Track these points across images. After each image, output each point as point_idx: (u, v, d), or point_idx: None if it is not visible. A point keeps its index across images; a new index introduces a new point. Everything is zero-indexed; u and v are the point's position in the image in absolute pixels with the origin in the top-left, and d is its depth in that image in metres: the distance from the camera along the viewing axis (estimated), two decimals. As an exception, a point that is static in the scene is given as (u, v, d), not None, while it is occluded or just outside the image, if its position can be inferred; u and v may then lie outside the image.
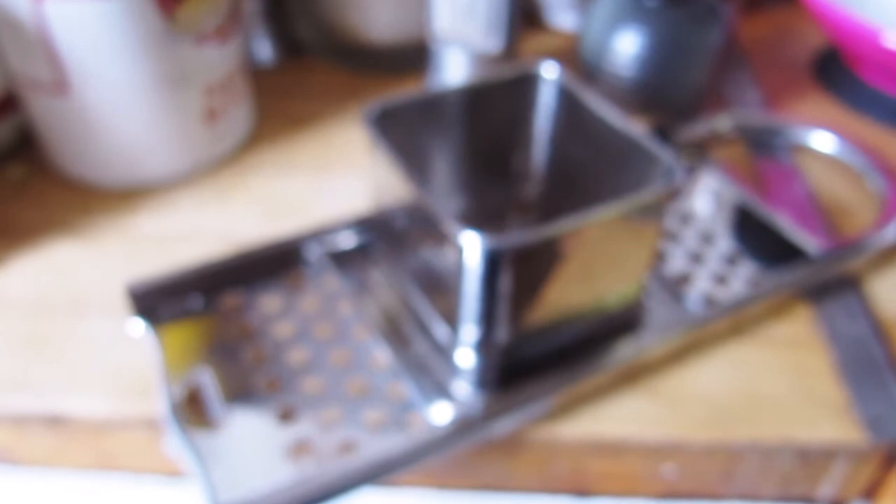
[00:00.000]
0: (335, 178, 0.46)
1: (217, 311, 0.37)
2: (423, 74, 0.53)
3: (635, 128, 0.34)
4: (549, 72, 0.38)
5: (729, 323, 0.36)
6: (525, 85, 0.38)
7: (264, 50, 0.55)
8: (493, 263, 0.29)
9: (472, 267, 0.29)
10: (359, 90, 0.53)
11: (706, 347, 0.36)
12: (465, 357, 0.33)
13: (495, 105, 0.39)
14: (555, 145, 0.39)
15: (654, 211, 0.31)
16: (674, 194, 0.31)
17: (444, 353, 0.34)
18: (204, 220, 0.43)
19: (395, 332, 0.35)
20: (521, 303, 0.31)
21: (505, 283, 0.29)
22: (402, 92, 0.36)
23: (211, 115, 0.44)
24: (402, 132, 0.37)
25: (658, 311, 0.37)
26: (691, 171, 0.46)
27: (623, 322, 0.35)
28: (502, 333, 0.31)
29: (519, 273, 0.29)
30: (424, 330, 0.35)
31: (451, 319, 0.32)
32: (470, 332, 0.31)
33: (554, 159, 0.40)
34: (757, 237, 0.41)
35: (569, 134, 0.38)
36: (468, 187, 0.41)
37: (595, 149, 0.37)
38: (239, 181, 0.45)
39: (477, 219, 0.42)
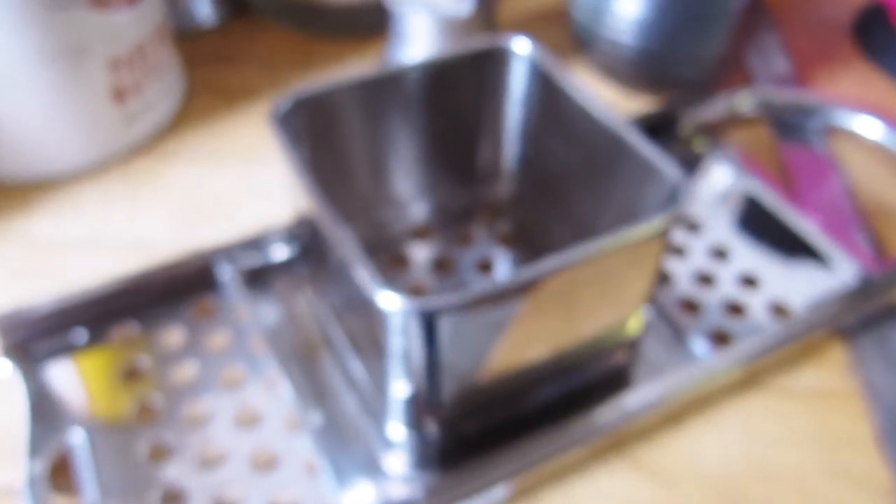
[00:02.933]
0: (271, 168, 0.38)
1: (104, 348, 0.30)
2: (386, 39, 0.45)
3: (626, 126, 0.26)
4: (520, 46, 0.29)
5: (743, 371, 0.29)
6: (490, 63, 0.30)
7: (203, 9, 0.46)
8: (425, 328, 0.21)
9: (397, 332, 0.21)
10: (312, 57, 0.45)
11: (712, 404, 0.29)
12: (398, 428, 0.25)
13: (455, 88, 0.31)
14: (528, 138, 0.31)
15: (652, 239, 0.24)
16: (678, 220, 0.23)
17: (375, 416, 0.26)
18: (108, 223, 0.35)
19: (316, 384, 0.28)
20: (470, 365, 0.23)
21: (444, 349, 0.22)
22: (345, 70, 0.29)
23: (119, 95, 0.37)
24: (336, 125, 0.29)
25: (654, 355, 0.29)
26: (703, 161, 0.38)
27: (608, 375, 0.28)
28: (446, 401, 0.24)
29: (463, 334, 0.22)
30: (352, 384, 0.28)
31: (379, 380, 0.25)
32: (402, 397, 0.24)
33: (528, 155, 0.32)
34: (782, 251, 0.34)
35: (545, 125, 0.30)
36: (427, 186, 0.33)
37: (577, 146, 0.29)
38: (155, 174, 0.38)
39: (438, 222, 0.34)
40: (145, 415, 0.28)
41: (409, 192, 0.33)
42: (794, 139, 0.40)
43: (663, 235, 0.23)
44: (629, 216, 0.27)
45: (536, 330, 0.24)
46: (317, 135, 0.29)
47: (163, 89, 0.39)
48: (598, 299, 0.25)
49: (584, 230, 0.30)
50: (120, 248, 0.34)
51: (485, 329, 0.22)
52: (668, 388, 0.27)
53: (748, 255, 0.34)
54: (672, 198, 0.23)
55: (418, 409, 0.24)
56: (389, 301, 0.20)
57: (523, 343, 0.24)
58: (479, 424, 0.26)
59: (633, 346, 0.29)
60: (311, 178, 0.23)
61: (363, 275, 0.20)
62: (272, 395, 0.28)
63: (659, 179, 0.25)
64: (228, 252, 0.31)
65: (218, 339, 0.30)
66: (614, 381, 0.28)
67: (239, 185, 0.37)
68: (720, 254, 0.34)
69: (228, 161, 0.38)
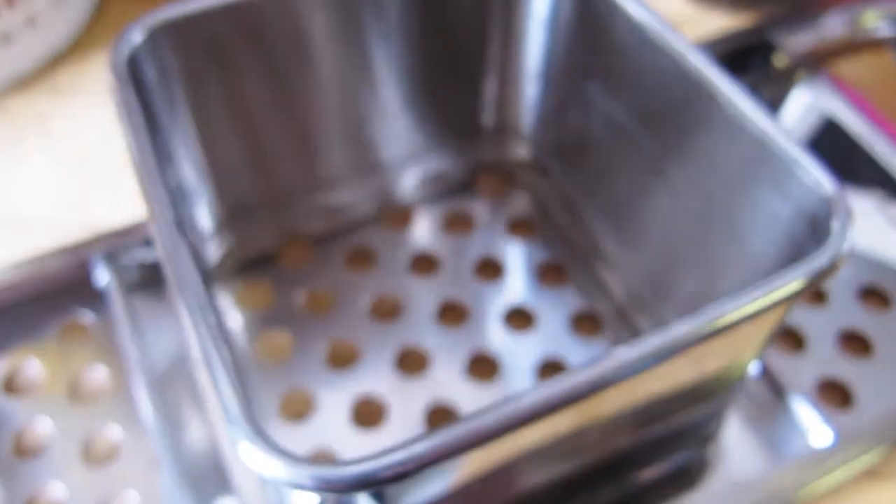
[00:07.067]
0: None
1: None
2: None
3: (721, 70, 0.15)
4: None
5: (875, 456, 0.19)
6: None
7: None
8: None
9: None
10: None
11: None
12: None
13: (451, 2, 0.20)
14: (557, 80, 0.21)
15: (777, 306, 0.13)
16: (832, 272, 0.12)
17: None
18: (-28, 190, 0.26)
19: (221, 464, 0.18)
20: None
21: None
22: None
23: (-17, 5, 0.26)
24: (276, 54, 0.19)
25: (739, 431, 0.19)
26: (802, 102, 0.27)
27: (670, 472, 0.18)
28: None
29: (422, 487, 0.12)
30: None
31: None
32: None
33: (554, 105, 0.21)
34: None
35: (583, 61, 0.19)
36: (411, 147, 0.23)
37: (632, 94, 0.18)
38: (44, 119, 0.28)
39: (424, 199, 0.24)
40: (-34, 503, 0.19)
41: (385, 154, 0.24)
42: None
43: (798, 295, 0.13)
44: (706, 210, 0.17)
45: (560, 447, 0.14)
46: (245, 69, 0.19)
47: (56, -2, 0.29)
48: (672, 393, 0.15)
49: (624, 218, 0.20)
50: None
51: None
52: (759, 495, 0.17)
53: (868, 254, 0.23)
54: (818, 224, 0.12)
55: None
56: (256, 463, 0.10)
57: (539, 463, 0.14)
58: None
59: (712, 432, 0.19)
60: (148, 168, 0.13)
61: (214, 401, 0.10)
62: (154, 477, 0.19)
63: (785, 174, 0.14)
64: (113, 244, 0.21)
65: (87, 380, 0.20)
66: (677, 479, 0.18)
67: (155, 134, 0.27)
68: (834, 253, 0.23)
69: (145, 99, 0.28)
